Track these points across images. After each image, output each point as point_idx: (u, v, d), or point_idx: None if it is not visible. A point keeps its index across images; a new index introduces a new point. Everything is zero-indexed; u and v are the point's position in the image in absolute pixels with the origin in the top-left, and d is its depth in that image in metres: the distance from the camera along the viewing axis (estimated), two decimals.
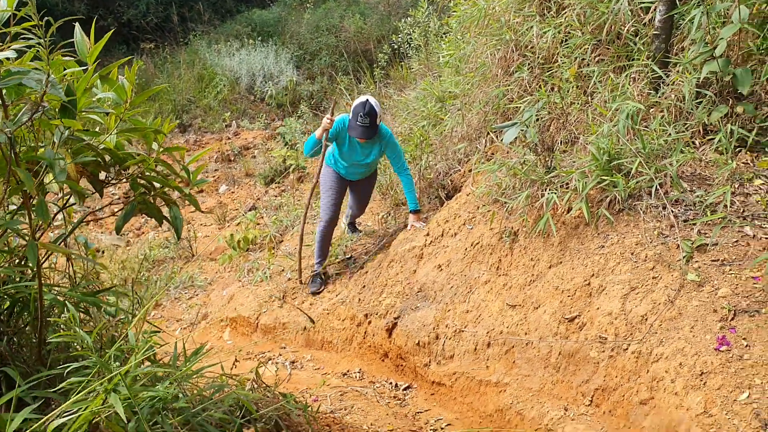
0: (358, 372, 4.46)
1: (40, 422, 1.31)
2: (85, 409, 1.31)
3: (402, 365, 4.32)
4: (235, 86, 12.40)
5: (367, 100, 4.87)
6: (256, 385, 2.62)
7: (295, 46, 13.08)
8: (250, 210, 8.75)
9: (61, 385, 1.44)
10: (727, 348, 2.71)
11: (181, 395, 1.70)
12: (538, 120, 4.30)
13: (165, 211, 2.33)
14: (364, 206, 5.87)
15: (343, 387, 3.79)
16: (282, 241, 6.71)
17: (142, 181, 2.25)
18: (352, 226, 6.07)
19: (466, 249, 4.34)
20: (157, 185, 2.28)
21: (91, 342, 1.49)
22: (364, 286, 5.03)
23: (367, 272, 5.22)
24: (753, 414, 2.44)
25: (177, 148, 2.29)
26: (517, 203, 3.94)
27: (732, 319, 2.84)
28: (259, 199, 9.28)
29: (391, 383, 4.22)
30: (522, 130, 4.22)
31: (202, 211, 2.46)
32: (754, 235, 3.18)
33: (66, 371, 1.46)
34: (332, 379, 4.44)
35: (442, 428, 3.59)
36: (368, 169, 5.45)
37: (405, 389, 4.11)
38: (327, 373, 4.63)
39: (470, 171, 5.34)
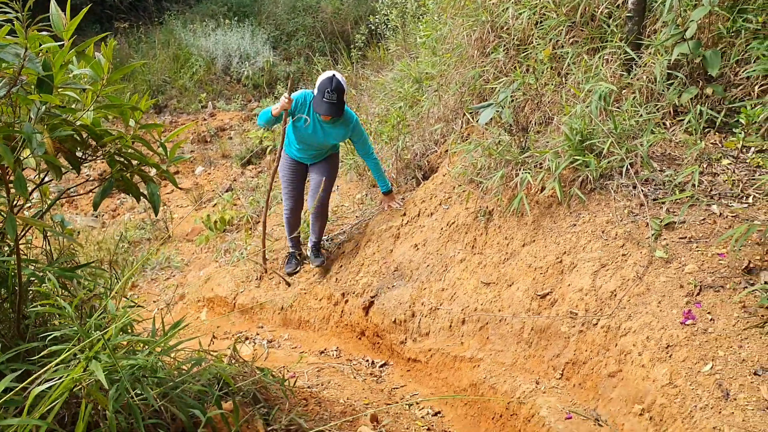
0: (335, 350, 4.52)
1: (19, 387, 1.34)
2: (66, 377, 1.34)
3: (378, 343, 4.38)
4: (211, 67, 12.28)
5: (334, 75, 4.58)
6: (234, 361, 2.66)
7: (271, 26, 12.98)
8: (226, 191, 8.73)
9: (41, 355, 1.46)
10: (693, 322, 2.80)
11: (160, 366, 1.73)
12: (513, 101, 4.35)
13: (142, 188, 2.35)
14: (322, 188, 5.05)
15: (320, 364, 3.84)
16: (259, 222, 6.70)
17: (120, 158, 2.25)
18: (316, 249, 5.34)
19: (442, 228, 4.39)
20: (135, 162, 2.28)
21: (71, 311, 1.51)
22: (341, 266, 5.07)
23: (344, 252, 5.26)
24: (716, 384, 2.53)
25: (154, 125, 2.29)
26: (492, 183, 4.00)
27: (698, 294, 2.93)
28: (235, 180, 9.25)
29: (367, 360, 4.29)
30: (497, 111, 4.27)
31: (180, 188, 2.47)
32: (720, 214, 3.27)
33: (47, 340, 1.48)
34: (309, 357, 4.50)
35: (417, 403, 3.66)
36: (326, 151, 5.15)
37: (381, 366, 4.17)
38: (304, 351, 4.68)
39: (447, 151, 5.39)
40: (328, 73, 4.61)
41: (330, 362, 4.23)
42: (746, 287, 2.86)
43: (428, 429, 2.98)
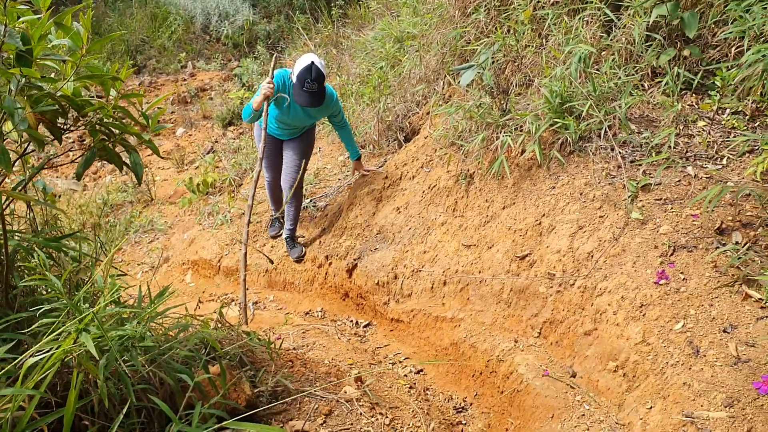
0: (320, 311, 4.60)
1: (14, 363, 1.38)
2: (57, 348, 1.38)
3: (362, 304, 4.46)
4: (190, 26, 12.08)
5: (312, 63, 4.27)
6: (220, 325, 2.71)
7: None
8: (208, 153, 8.69)
9: (32, 327, 1.50)
10: (666, 281, 2.89)
11: (148, 334, 1.78)
12: (494, 62, 4.36)
13: (124, 156, 2.36)
14: (295, 166, 4.93)
15: (305, 326, 3.92)
16: (241, 184, 6.72)
17: (101, 128, 2.26)
18: (291, 240, 5.19)
19: (423, 191, 4.44)
20: (116, 131, 2.29)
21: (60, 285, 1.55)
22: (324, 229, 5.12)
23: (327, 215, 5.30)
24: (686, 342, 2.63)
25: (135, 94, 2.29)
26: (473, 146, 4.04)
27: (671, 254, 3.01)
28: (217, 141, 9.20)
29: (352, 321, 4.37)
30: (478, 73, 4.28)
31: (162, 157, 2.49)
32: (695, 175, 3.34)
33: (38, 313, 1.52)
34: (295, 318, 4.57)
35: (400, 361, 3.76)
36: (301, 129, 4.96)
37: (365, 326, 4.26)
38: (289, 312, 4.75)
39: (428, 113, 5.40)
40: (306, 60, 4.32)
41: (315, 323, 4.31)
42: (718, 247, 2.95)
43: (411, 387, 3.07)
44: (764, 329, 2.55)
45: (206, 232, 6.10)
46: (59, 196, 8.08)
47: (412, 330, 3.96)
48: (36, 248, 1.82)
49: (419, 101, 5.69)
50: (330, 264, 4.77)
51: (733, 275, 2.81)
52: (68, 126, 2.22)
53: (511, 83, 4.30)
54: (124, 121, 2.32)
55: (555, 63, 4.00)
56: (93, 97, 2.38)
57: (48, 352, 1.40)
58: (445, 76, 5.32)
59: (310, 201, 5.74)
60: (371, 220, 4.73)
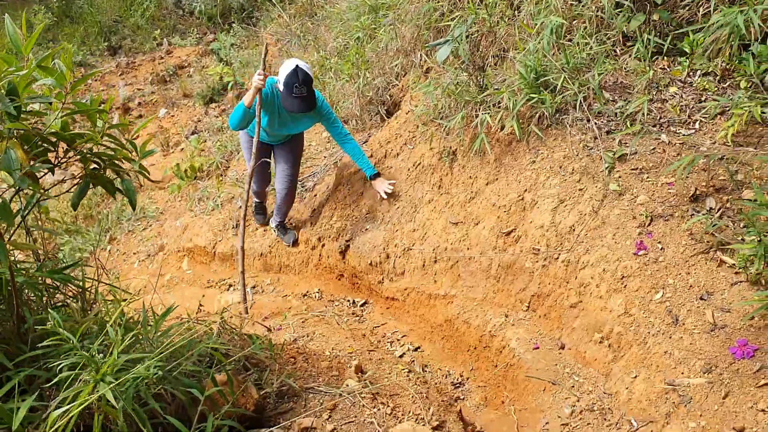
0: (317, 292, 4.73)
1: (41, 416, 1.50)
2: (78, 402, 1.50)
3: (357, 283, 4.60)
4: (162, 1, 11.91)
5: (297, 66, 4.09)
6: (223, 331, 2.83)
7: None
8: (192, 134, 8.70)
9: (53, 381, 1.62)
10: (645, 252, 3.03)
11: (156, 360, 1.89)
12: (468, 37, 4.40)
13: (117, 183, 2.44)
14: (289, 177, 4.85)
15: (304, 314, 4.05)
16: (228, 167, 6.77)
17: (92, 158, 2.34)
18: (282, 227, 5.21)
19: (408, 169, 4.53)
20: (107, 159, 2.37)
21: (76, 341, 1.66)
22: (314, 210, 5.22)
23: (316, 195, 5.38)
24: (666, 311, 2.78)
25: (121, 124, 2.36)
26: (454, 124, 4.11)
27: (649, 224, 3.14)
28: (200, 121, 9.18)
29: (349, 300, 4.51)
30: (454, 47, 4.33)
31: (152, 181, 2.57)
32: (669, 142, 3.44)
33: (58, 368, 1.63)
34: (293, 301, 4.71)
35: (398, 339, 3.91)
36: (290, 136, 4.81)
37: (362, 305, 4.40)
38: (287, 294, 4.89)
39: (408, 85, 5.45)
40: (290, 65, 4.12)
41: (313, 306, 4.45)
42: (693, 214, 3.07)
43: (409, 370, 3.22)
44: (738, 294, 2.69)
45: (198, 218, 6.18)
46: (47, 190, 8.13)
47: (407, 308, 4.11)
48: (51, 312, 1.92)
49: (398, 74, 5.72)
50: (323, 245, 4.89)
51: (708, 242, 2.94)
52: (60, 161, 2.30)
53: (487, 58, 4.35)
54: (113, 149, 2.40)
55: (528, 37, 4.05)
56: (82, 126, 2.46)
57: (72, 400, 1.52)
58: (422, 47, 5.34)
59: (299, 181, 5.82)
60: (360, 201, 4.82)
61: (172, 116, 9.62)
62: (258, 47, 9.88)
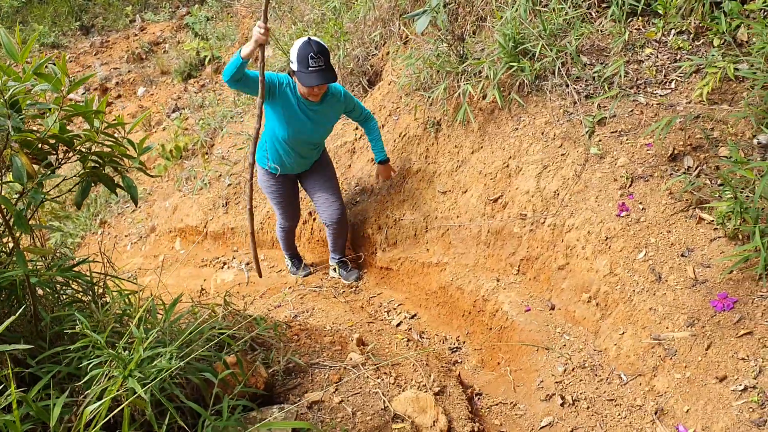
0: (312, 265, 4.84)
1: (72, 411, 1.60)
2: (107, 395, 1.61)
3: (350, 255, 4.71)
4: None
5: (308, 38, 3.71)
6: (227, 313, 2.94)
7: None
8: (173, 112, 8.69)
9: (83, 380, 1.72)
10: (627, 213, 3.15)
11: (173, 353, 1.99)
12: (446, 6, 4.44)
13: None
14: (337, 204, 4.32)
15: (301, 290, 4.16)
16: (213, 144, 6.80)
17: (92, 157, 2.41)
18: (344, 264, 4.60)
19: (395, 140, 4.61)
20: (106, 157, 2.44)
21: (104, 342, 1.76)
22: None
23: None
24: (649, 269, 2.91)
25: (118, 123, 2.42)
26: (437, 95, 4.19)
27: (630, 186, 3.26)
28: (180, 97, 9.16)
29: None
30: (433, 17, 4.37)
31: (151, 176, 2.64)
32: (646, 103, 3.54)
33: (89, 366, 1.74)
34: (288, 276, 4.82)
35: (395, 308, 4.04)
36: (317, 148, 4.28)
37: (356, 278, 4.51)
38: (281, 270, 5.00)
39: (388, 53, 5.49)
40: (301, 39, 3.74)
41: (309, 279, 4.56)
42: (672, 174, 3.20)
43: (408, 339, 3.36)
44: (717, 249, 2.83)
45: (187, 198, 6.24)
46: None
47: (401, 277, 4.23)
48: (78, 315, 2.00)
49: (377, 43, 5.75)
50: (314, 219, 4.98)
51: (687, 200, 3.07)
52: (60, 161, 2.37)
53: (465, 27, 4.40)
54: (111, 145, 2.46)
55: (505, 5, 4.10)
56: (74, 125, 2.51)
57: (101, 396, 1.63)
58: (400, 15, 5.37)
59: None
60: (348, 173, 4.91)
61: (152, 94, 9.59)
62: (231, 17, 9.81)
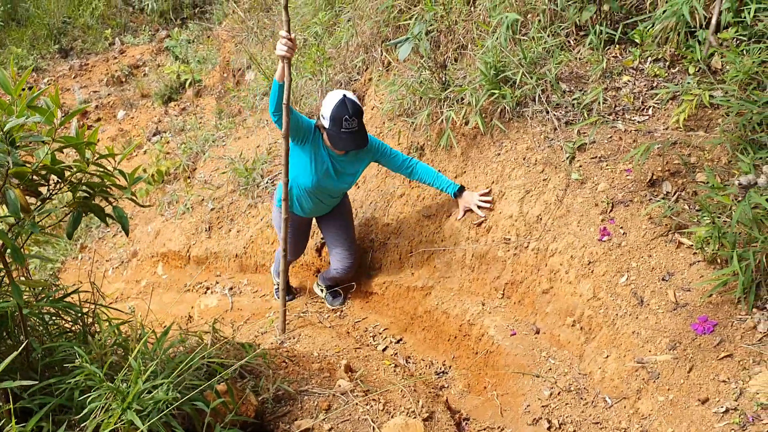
0: (296, 290, 4.85)
1: None
2: (105, 424, 1.62)
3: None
4: None
5: (344, 95, 3.52)
6: (215, 340, 2.94)
7: None
8: (154, 135, 8.67)
9: (82, 413, 1.73)
10: (608, 238, 3.22)
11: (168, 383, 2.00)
12: (428, 34, 4.52)
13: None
14: (352, 257, 4.20)
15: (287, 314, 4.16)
16: (195, 168, 6.80)
17: (83, 187, 2.42)
18: (334, 293, 4.48)
19: (378, 165, 4.65)
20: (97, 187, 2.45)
21: (102, 375, 1.76)
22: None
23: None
24: (631, 293, 2.98)
25: (109, 154, 2.44)
26: (420, 121, 4.25)
27: (610, 211, 3.33)
28: (160, 121, 9.15)
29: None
30: (415, 44, 4.45)
31: (142, 206, 2.65)
32: (625, 130, 3.63)
33: (86, 401, 1.74)
34: (272, 301, 4.83)
35: (380, 333, 4.07)
36: (339, 196, 4.14)
37: (341, 302, 4.53)
38: (265, 294, 5.00)
39: (370, 80, 5.56)
40: (336, 96, 3.55)
41: (293, 304, 4.57)
42: (651, 199, 3.28)
43: (395, 365, 3.38)
44: (697, 273, 2.90)
45: (170, 222, 6.23)
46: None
47: (386, 301, 4.26)
48: (78, 350, 2.01)
49: (360, 69, 5.82)
50: None
51: (666, 225, 3.14)
52: (51, 192, 2.38)
53: (447, 55, 4.48)
54: (101, 175, 2.48)
55: (485, 34, 4.19)
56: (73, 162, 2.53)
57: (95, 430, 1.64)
58: (383, 42, 5.45)
59: (268, 179, 5.90)
60: None
61: (132, 118, 9.56)
62: (212, 41, 9.85)
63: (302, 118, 3.62)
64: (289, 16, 3.20)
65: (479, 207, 3.84)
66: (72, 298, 2.57)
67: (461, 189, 3.92)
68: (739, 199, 2.77)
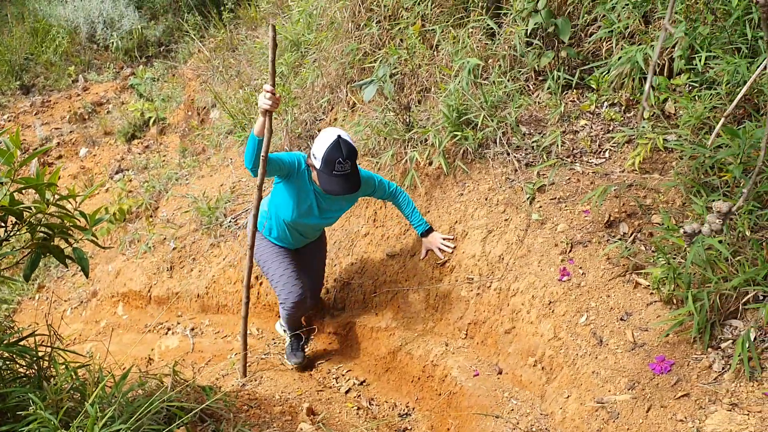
0: (258, 331, 4.79)
1: None
2: None
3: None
4: (75, 37, 11.65)
5: (339, 136, 3.31)
6: (176, 383, 2.89)
7: None
8: (117, 173, 8.58)
9: None
10: (568, 278, 3.27)
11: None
12: (393, 76, 4.60)
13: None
14: (319, 281, 4.25)
15: (248, 356, 4.11)
16: (158, 207, 6.73)
17: (42, 228, 2.39)
18: (298, 338, 4.23)
19: None
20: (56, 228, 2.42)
21: (57, 422, 1.72)
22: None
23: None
24: (591, 333, 3.02)
25: (70, 195, 2.42)
26: (385, 161, 4.30)
27: (570, 251, 3.39)
28: (123, 159, 9.06)
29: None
30: (380, 86, 4.52)
31: (103, 247, 2.63)
32: (583, 172, 3.72)
33: None
34: (234, 342, 4.76)
35: (343, 375, 4.03)
36: (320, 231, 4.09)
37: (304, 343, 4.49)
38: (227, 335, 4.93)
39: (335, 120, 5.61)
40: (330, 136, 3.33)
41: (255, 345, 4.51)
42: (609, 240, 3.35)
43: (358, 407, 3.36)
44: (654, 313, 2.96)
45: (131, 262, 6.13)
46: None
47: (350, 342, 4.24)
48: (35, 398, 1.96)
49: (325, 108, 5.87)
50: (261, 283, 4.96)
51: (624, 266, 3.21)
52: (9, 233, 2.34)
53: (411, 97, 4.56)
54: (61, 216, 2.45)
55: (448, 78, 4.29)
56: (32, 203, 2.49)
57: None
58: (348, 83, 5.52)
59: (232, 218, 5.87)
60: None
61: (94, 155, 9.44)
62: (177, 79, 9.86)
63: (284, 158, 3.45)
64: (275, 69, 3.16)
65: (440, 250, 3.88)
66: (28, 341, 2.51)
67: (429, 230, 3.91)
68: (687, 245, 2.85)
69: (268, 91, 3.10)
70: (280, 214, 3.70)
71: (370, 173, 3.74)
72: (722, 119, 2.06)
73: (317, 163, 3.35)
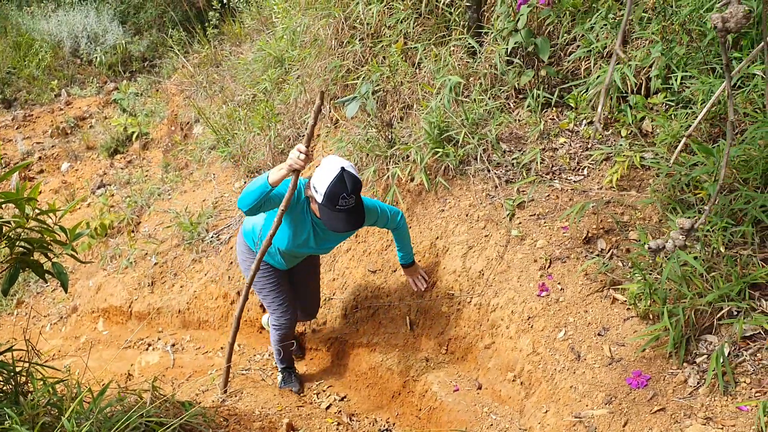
0: (239, 347, 4.78)
1: None
2: None
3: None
4: (58, 51, 11.64)
5: (342, 169, 2.99)
6: (155, 399, 2.87)
7: (116, 0, 12.41)
8: (99, 188, 8.54)
9: None
10: (547, 293, 3.31)
11: None
12: (375, 93, 4.64)
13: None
14: (316, 301, 4.13)
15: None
16: (140, 222, 6.70)
17: (21, 243, 2.38)
18: (291, 366, 4.13)
19: None
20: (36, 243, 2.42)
21: None
22: (231, 262, 5.28)
23: (232, 247, 5.44)
24: (569, 348, 3.05)
25: (51, 209, 2.42)
26: (367, 177, 4.33)
27: (549, 267, 3.43)
28: (105, 173, 9.02)
29: (271, 355, 4.58)
30: (362, 103, 4.56)
31: (83, 262, 2.63)
32: (561, 189, 3.77)
33: None
34: (214, 358, 4.74)
35: (324, 390, 4.03)
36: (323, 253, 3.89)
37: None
38: (208, 351, 4.91)
39: (318, 136, 5.64)
40: (333, 168, 3.02)
41: (236, 361, 4.49)
42: (587, 256, 3.39)
43: (338, 423, 3.36)
44: (631, 329, 3.00)
45: (112, 277, 6.09)
46: None
47: (330, 357, 4.24)
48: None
49: (308, 124, 5.90)
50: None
51: (601, 281, 3.25)
52: None
53: (393, 114, 4.61)
54: (41, 231, 2.44)
55: (430, 95, 4.34)
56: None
57: None
58: (331, 99, 5.56)
59: (214, 234, 5.86)
60: None
61: (76, 170, 9.40)
62: (161, 94, 9.86)
63: (284, 193, 3.12)
64: (313, 132, 3.01)
65: (414, 283, 3.83)
66: (5, 356, 2.49)
67: (411, 264, 3.79)
68: (649, 261, 2.91)
69: (302, 152, 2.92)
70: (274, 242, 3.44)
71: (372, 202, 3.50)
72: (684, 138, 2.12)
73: (318, 198, 3.04)
